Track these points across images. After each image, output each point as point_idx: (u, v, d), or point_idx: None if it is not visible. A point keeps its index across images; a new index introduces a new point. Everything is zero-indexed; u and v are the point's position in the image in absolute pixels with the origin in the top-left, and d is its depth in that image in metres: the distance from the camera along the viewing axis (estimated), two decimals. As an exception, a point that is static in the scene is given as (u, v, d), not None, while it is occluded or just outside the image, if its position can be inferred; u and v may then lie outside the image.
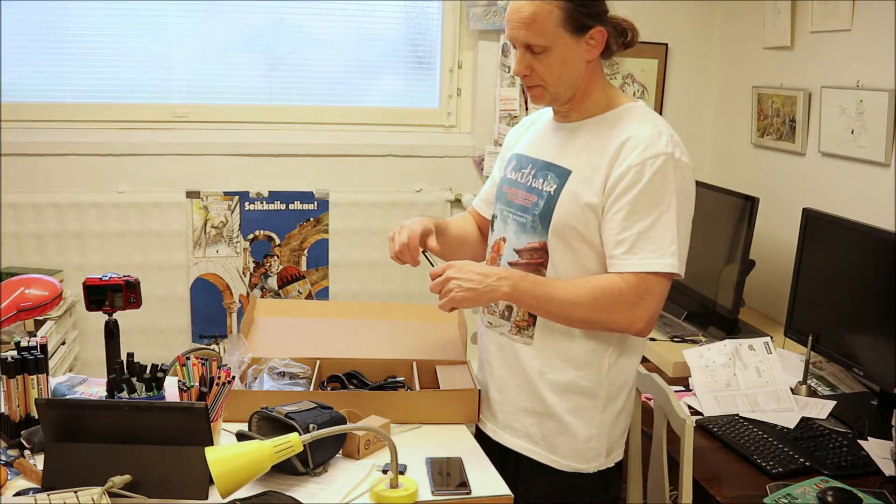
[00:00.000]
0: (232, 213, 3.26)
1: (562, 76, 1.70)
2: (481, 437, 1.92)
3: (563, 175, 1.72)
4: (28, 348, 1.83)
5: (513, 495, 1.67)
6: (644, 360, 2.21)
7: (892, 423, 2.02)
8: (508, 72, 3.36)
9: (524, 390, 1.80)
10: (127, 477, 1.56)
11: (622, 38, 1.75)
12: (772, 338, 2.49)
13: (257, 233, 3.30)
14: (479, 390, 1.94)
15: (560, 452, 1.78)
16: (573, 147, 1.74)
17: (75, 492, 1.52)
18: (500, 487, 1.68)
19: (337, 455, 1.75)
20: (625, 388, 1.80)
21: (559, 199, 1.70)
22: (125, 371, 1.80)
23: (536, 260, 1.74)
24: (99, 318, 2.03)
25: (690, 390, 2.41)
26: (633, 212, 1.63)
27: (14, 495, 1.57)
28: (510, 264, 1.78)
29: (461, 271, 1.71)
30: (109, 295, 2.01)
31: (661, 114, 2.69)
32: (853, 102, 2.64)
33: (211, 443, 1.62)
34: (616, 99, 1.76)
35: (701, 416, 2.25)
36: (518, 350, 1.79)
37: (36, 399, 1.67)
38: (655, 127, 1.68)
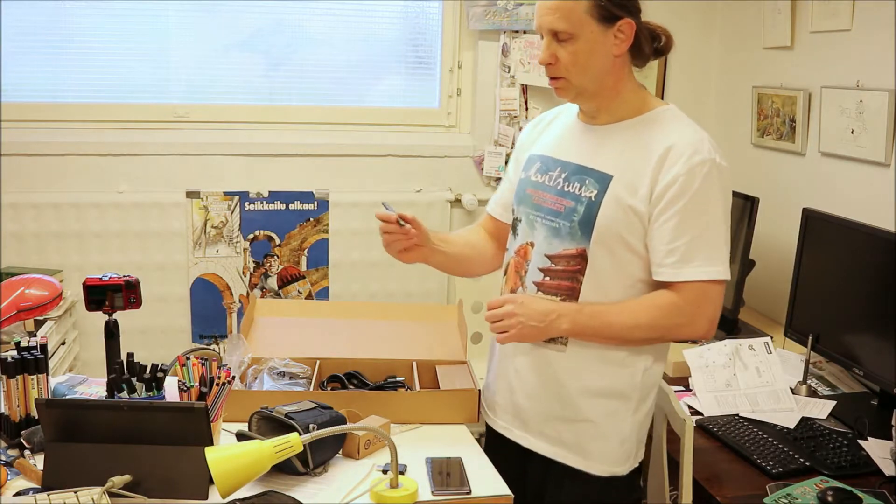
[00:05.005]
0: (232, 213, 3.26)
1: (587, 67, 1.67)
2: (497, 441, 1.90)
3: (603, 180, 1.68)
4: (28, 348, 1.83)
5: (513, 495, 1.67)
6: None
7: (892, 423, 2.02)
8: (508, 72, 3.36)
9: (557, 397, 1.77)
10: (127, 477, 1.56)
11: (655, 42, 1.72)
12: (772, 338, 2.49)
13: (257, 233, 3.30)
14: (480, 390, 1.94)
15: (594, 457, 1.76)
16: (610, 151, 1.71)
17: (75, 492, 1.52)
18: (500, 487, 1.68)
19: (337, 455, 1.75)
20: (654, 388, 1.80)
21: (602, 205, 1.66)
22: (125, 371, 1.80)
23: (573, 267, 1.70)
24: (99, 318, 2.03)
25: (690, 390, 2.41)
26: (684, 220, 1.62)
27: (14, 495, 1.57)
28: (541, 271, 1.75)
29: (524, 307, 1.69)
30: (109, 295, 2.01)
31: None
32: (853, 102, 2.63)
33: (211, 443, 1.62)
34: (648, 102, 1.74)
35: (701, 416, 2.25)
36: (550, 358, 1.76)
37: (36, 399, 1.67)
38: (697, 133, 1.67)
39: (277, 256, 3.33)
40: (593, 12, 1.63)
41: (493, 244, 2.01)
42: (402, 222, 1.81)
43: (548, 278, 1.74)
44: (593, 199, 1.68)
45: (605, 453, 1.76)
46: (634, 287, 1.71)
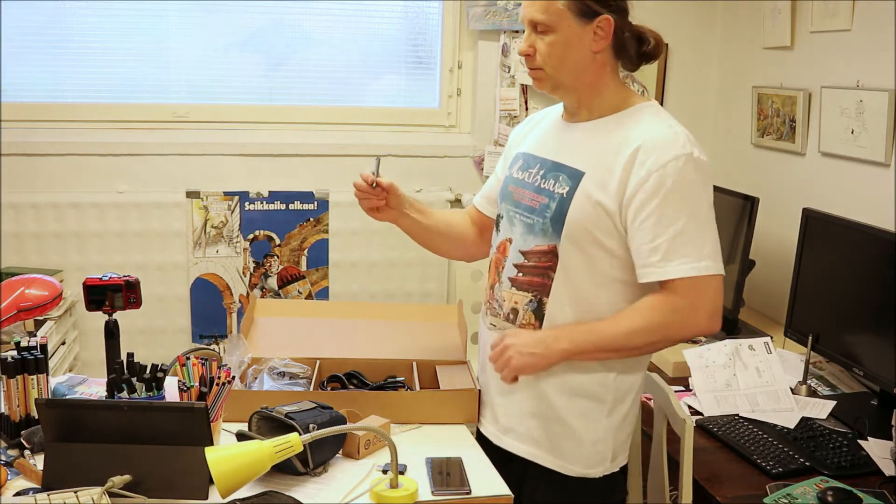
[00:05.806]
0: (232, 213, 3.26)
1: (563, 60, 1.67)
2: (482, 441, 1.90)
3: (575, 176, 1.68)
4: (28, 348, 1.83)
5: (513, 495, 1.67)
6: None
7: (892, 423, 2.02)
8: (508, 72, 3.36)
9: (530, 393, 1.77)
10: (127, 477, 1.56)
11: (643, 45, 1.72)
12: (772, 338, 2.49)
13: (257, 233, 3.30)
14: (479, 391, 1.94)
15: (566, 457, 1.76)
16: (584, 147, 1.71)
17: (75, 492, 1.52)
18: (500, 487, 1.68)
19: (337, 455, 1.75)
20: (630, 393, 1.78)
21: (573, 202, 1.66)
22: (125, 371, 1.80)
23: (544, 263, 1.71)
24: (99, 318, 2.03)
25: (690, 390, 2.41)
26: (663, 216, 1.60)
27: (14, 495, 1.57)
28: (515, 266, 1.76)
29: (517, 336, 1.70)
30: (109, 295, 2.01)
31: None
32: (853, 102, 2.63)
33: (211, 443, 1.62)
34: (628, 99, 1.73)
35: (701, 416, 2.25)
36: None
37: (36, 399, 1.67)
38: (671, 128, 1.65)
39: (277, 256, 3.33)
40: (571, 6, 1.64)
41: (473, 231, 2.04)
42: (375, 186, 1.90)
43: (521, 274, 1.75)
44: (565, 195, 1.68)
45: (577, 454, 1.75)
46: (605, 285, 1.69)
